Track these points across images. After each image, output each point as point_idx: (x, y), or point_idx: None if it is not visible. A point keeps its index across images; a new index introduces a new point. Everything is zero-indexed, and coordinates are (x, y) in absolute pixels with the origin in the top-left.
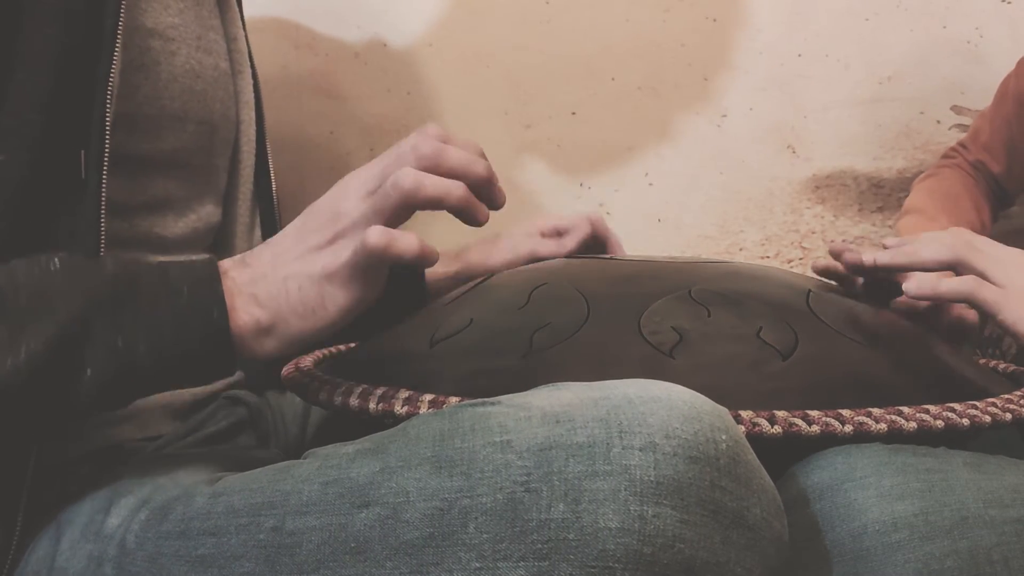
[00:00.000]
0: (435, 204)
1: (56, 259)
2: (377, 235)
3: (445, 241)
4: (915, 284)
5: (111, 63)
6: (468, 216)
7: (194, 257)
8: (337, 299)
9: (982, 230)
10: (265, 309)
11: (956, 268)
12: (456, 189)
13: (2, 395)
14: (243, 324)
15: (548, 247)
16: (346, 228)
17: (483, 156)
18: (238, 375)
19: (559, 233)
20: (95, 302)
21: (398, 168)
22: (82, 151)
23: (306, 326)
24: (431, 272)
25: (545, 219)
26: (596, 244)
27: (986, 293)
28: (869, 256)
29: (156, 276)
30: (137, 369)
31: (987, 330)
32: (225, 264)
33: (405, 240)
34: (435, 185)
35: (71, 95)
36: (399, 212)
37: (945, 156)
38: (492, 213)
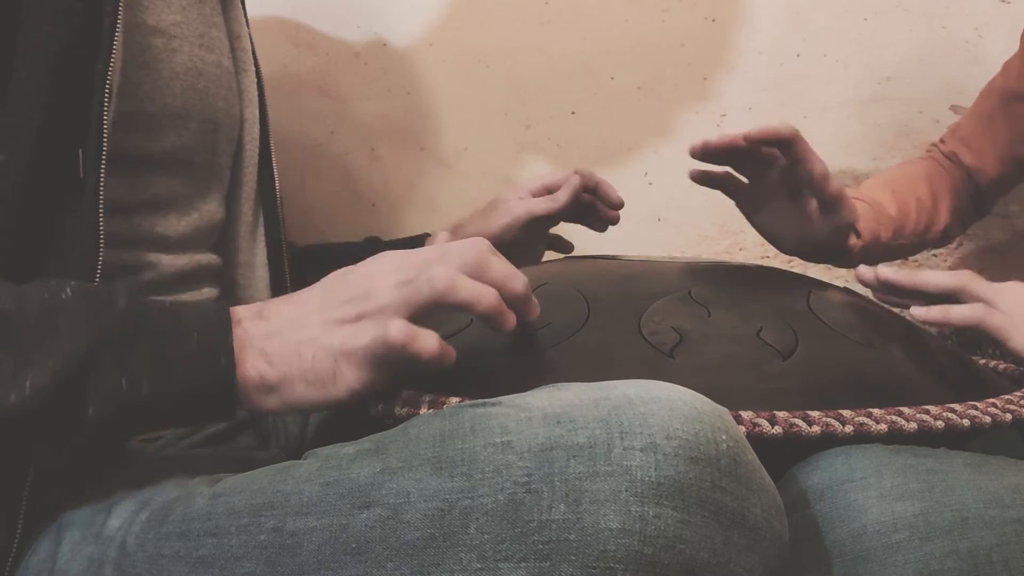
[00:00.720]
0: (465, 308)
1: (69, 288)
2: (399, 330)
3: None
4: (924, 310)
5: (109, 61)
6: (496, 323)
7: (208, 302)
8: (348, 379)
9: (934, 216)
10: (273, 368)
11: (960, 295)
12: (488, 296)
13: (5, 424)
14: (248, 377)
15: (543, 205)
16: (372, 310)
17: (524, 280)
18: None
19: (548, 190)
20: (103, 339)
21: (439, 265)
22: (80, 150)
23: (312, 395)
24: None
25: (532, 179)
26: (588, 192)
27: (996, 320)
28: (870, 271)
29: (167, 316)
30: (137, 409)
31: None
32: (240, 312)
33: (425, 340)
34: (469, 289)
35: (70, 93)
36: (427, 309)
37: (926, 151)
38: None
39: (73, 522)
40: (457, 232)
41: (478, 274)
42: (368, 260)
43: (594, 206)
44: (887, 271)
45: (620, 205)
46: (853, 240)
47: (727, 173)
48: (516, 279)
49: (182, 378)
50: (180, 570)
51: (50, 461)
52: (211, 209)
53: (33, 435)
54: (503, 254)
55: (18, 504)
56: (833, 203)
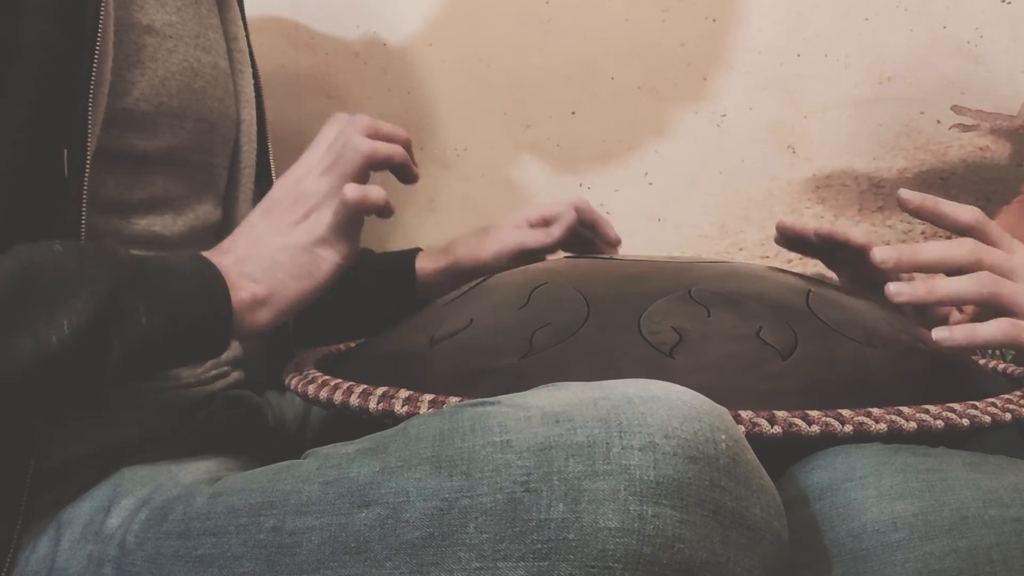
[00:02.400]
0: (387, 163)
1: (57, 244)
2: (354, 191)
3: (436, 239)
4: (948, 334)
5: (92, 62)
6: (408, 172)
7: (183, 252)
8: (329, 258)
9: None
10: (260, 283)
11: (986, 306)
12: (399, 150)
13: (45, 367)
14: (242, 300)
15: (535, 237)
16: (317, 201)
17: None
18: (238, 375)
19: (546, 222)
20: (122, 281)
21: (346, 142)
22: (64, 150)
23: (303, 287)
24: (421, 268)
25: (532, 209)
26: (584, 228)
27: None
28: (893, 288)
29: (160, 262)
30: (154, 344)
31: None
32: (205, 255)
33: (375, 191)
34: (386, 146)
35: (57, 92)
36: (361, 174)
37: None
38: (489, 208)
39: (73, 520)
40: (448, 252)
41: (376, 133)
42: (280, 178)
43: (591, 243)
44: (904, 291)
45: (617, 243)
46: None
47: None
48: (401, 131)
49: (189, 313)
50: (180, 569)
51: (54, 446)
52: (207, 210)
53: (67, 377)
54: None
55: (18, 502)
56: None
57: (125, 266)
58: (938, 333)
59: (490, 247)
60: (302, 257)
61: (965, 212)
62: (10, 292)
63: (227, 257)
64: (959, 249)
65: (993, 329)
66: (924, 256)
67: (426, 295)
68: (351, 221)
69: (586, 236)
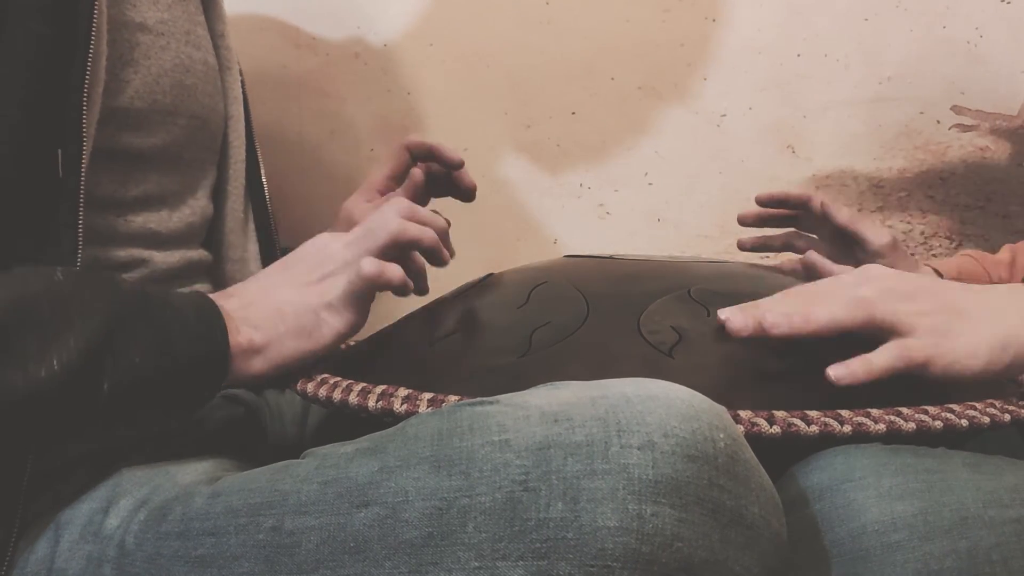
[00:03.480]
0: (414, 244)
1: (59, 272)
2: (371, 264)
3: None
4: (843, 371)
5: (86, 60)
6: (437, 257)
7: (182, 290)
8: (333, 324)
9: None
10: (260, 331)
11: (868, 332)
12: (430, 233)
13: (32, 402)
14: (239, 344)
15: (368, 212)
16: (336, 268)
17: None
18: None
19: (394, 179)
20: (118, 317)
21: (381, 219)
22: (59, 150)
23: (301, 346)
24: None
25: (374, 173)
26: (426, 158)
27: (916, 355)
28: (763, 319)
29: (160, 299)
30: (146, 383)
31: None
32: (212, 297)
33: (392, 268)
34: (416, 228)
35: (49, 92)
36: (385, 251)
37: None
38: (489, 208)
39: (72, 521)
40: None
41: (412, 216)
42: (312, 239)
43: (450, 175)
44: (775, 322)
45: (459, 165)
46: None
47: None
48: (440, 218)
49: (184, 352)
50: (179, 569)
51: (56, 452)
52: (201, 205)
53: (53, 415)
54: None
55: (16, 503)
56: (852, 234)
57: (125, 300)
58: (834, 371)
59: (344, 230)
60: (306, 317)
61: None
62: (3, 322)
63: (232, 301)
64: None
65: (887, 357)
66: (816, 316)
67: None
68: (362, 293)
69: (436, 171)
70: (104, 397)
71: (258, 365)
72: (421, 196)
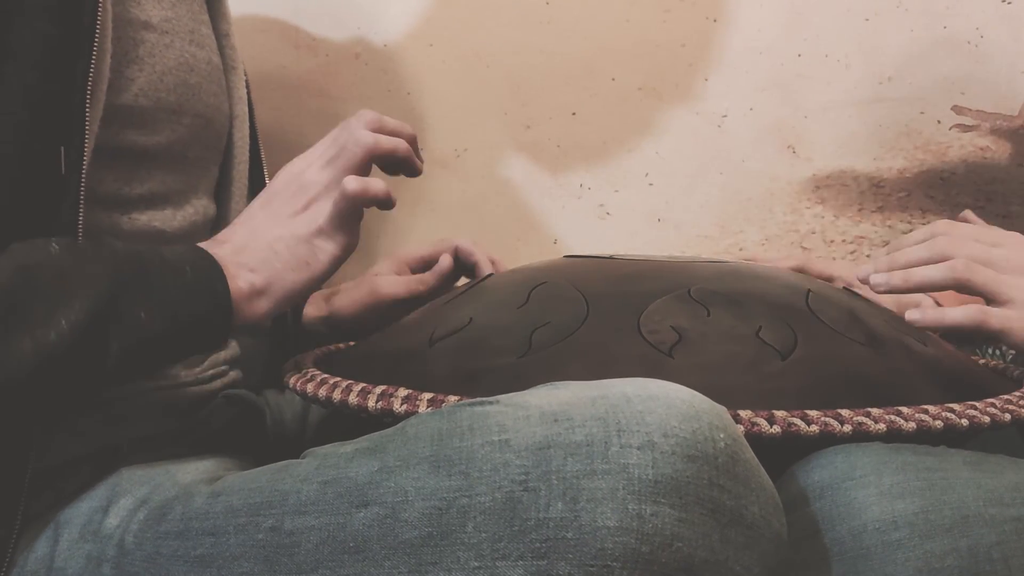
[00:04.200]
0: (389, 156)
1: (54, 243)
2: (354, 182)
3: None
4: (919, 314)
5: (91, 59)
6: (412, 167)
7: (179, 245)
8: (327, 249)
9: None
10: (258, 273)
11: (957, 289)
12: (402, 143)
13: (45, 366)
14: (240, 290)
15: (406, 288)
16: (318, 192)
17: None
18: (237, 374)
19: (425, 263)
20: (119, 279)
21: (349, 135)
22: (61, 147)
23: (300, 278)
24: (306, 315)
25: (412, 250)
26: (463, 271)
27: (993, 321)
28: (863, 275)
29: (157, 257)
30: (154, 340)
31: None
32: (203, 246)
33: (375, 183)
34: (388, 140)
35: (55, 90)
36: (363, 166)
37: None
38: (489, 208)
39: (71, 520)
40: (329, 300)
41: (381, 128)
42: (282, 169)
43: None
44: (878, 279)
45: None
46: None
47: None
48: (407, 126)
49: (187, 307)
50: (178, 569)
51: (52, 446)
52: (205, 204)
53: (67, 376)
54: (361, 329)
55: (16, 502)
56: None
57: (123, 263)
58: (911, 314)
59: (365, 300)
60: (300, 248)
61: (930, 227)
62: (8, 293)
63: (224, 247)
64: (928, 251)
65: (960, 313)
66: (901, 260)
67: (306, 338)
68: (351, 213)
69: (467, 274)
70: (114, 356)
71: (263, 306)
72: (430, 293)
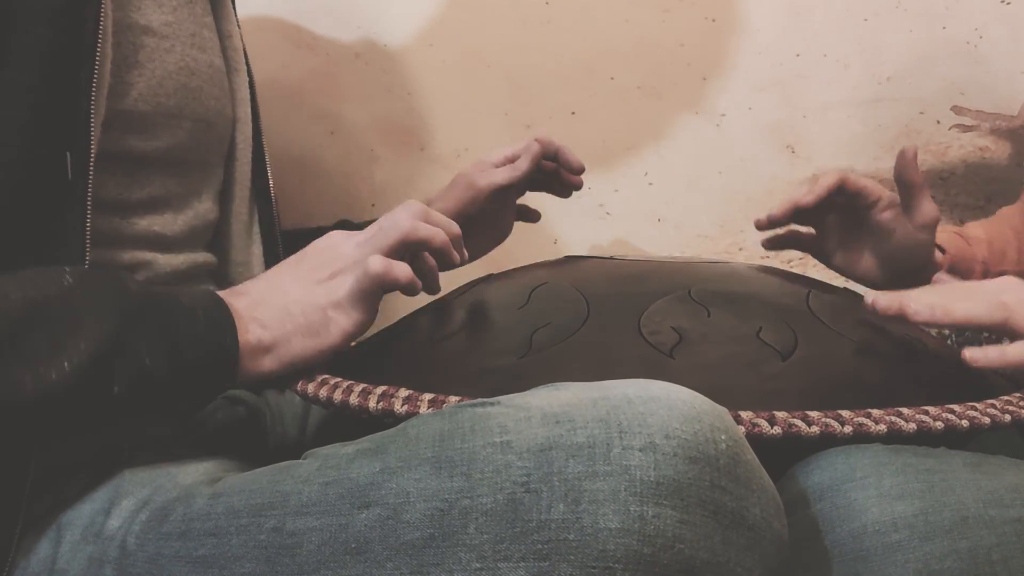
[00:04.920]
0: (424, 244)
1: (67, 273)
2: (378, 262)
3: None
4: (980, 355)
5: (94, 63)
6: (447, 258)
7: (196, 287)
8: (340, 323)
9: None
10: (268, 330)
11: (1001, 331)
12: (440, 234)
13: (44, 402)
14: (248, 343)
15: (504, 174)
16: (345, 266)
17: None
18: None
19: (511, 161)
20: (127, 320)
21: (392, 219)
22: (68, 152)
23: (309, 345)
24: None
25: (496, 151)
26: (548, 160)
27: None
28: (907, 306)
29: (170, 298)
30: (156, 385)
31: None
32: (221, 295)
33: (400, 267)
34: (426, 228)
35: (57, 95)
36: (395, 249)
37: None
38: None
39: (73, 522)
40: (432, 206)
41: (426, 217)
42: (323, 237)
43: (557, 173)
44: (918, 310)
45: (581, 169)
46: (940, 257)
47: (791, 231)
48: (453, 224)
49: (194, 352)
50: (180, 570)
51: (59, 453)
52: (206, 208)
53: (64, 417)
54: (471, 227)
55: (18, 504)
56: (909, 198)
57: (134, 301)
58: (970, 353)
59: (464, 193)
60: (314, 315)
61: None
62: (14, 324)
63: (241, 299)
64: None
65: (1018, 351)
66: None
67: None
68: (370, 292)
69: (550, 168)
70: (114, 398)
71: (267, 364)
72: (529, 178)
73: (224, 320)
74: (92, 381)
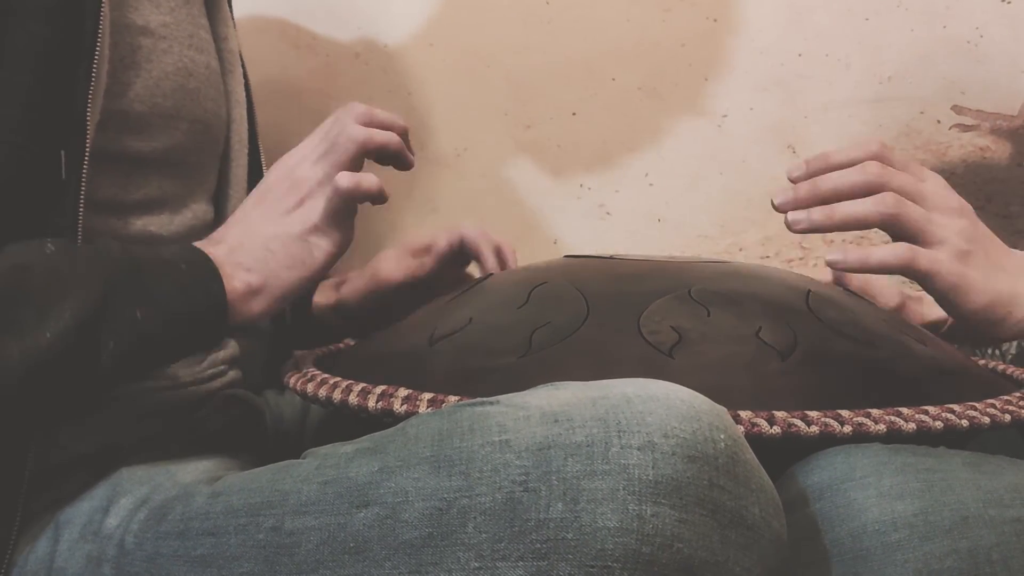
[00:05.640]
0: (381, 150)
1: (48, 243)
2: (347, 178)
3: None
4: (840, 255)
5: (92, 62)
6: (403, 160)
7: (175, 244)
8: (322, 246)
9: None
10: (254, 272)
11: (889, 229)
12: (395, 137)
13: (35, 371)
14: (235, 289)
15: (408, 269)
16: (311, 189)
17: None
18: (236, 374)
19: (428, 250)
20: (111, 281)
21: (340, 130)
22: (62, 151)
23: (296, 275)
24: (316, 304)
25: (415, 238)
26: (462, 256)
27: (922, 262)
28: (791, 217)
29: (153, 257)
30: (150, 339)
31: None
32: (199, 245)
33: (368, 178)
34: (381, 134)
35: (53, 93)
36: (355, 161)
37: None
38: (489, 208)
39: (71, 520)
40: (338, 289)
41: (371, 120)
42: (273, 166)
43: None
44: (799, 215)
45: (504, 266)
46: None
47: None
48: (399, 119)
49: (183, 305)
50: (179, 569)
51: (52, 446)
52: (202, 209)
53: (60, 379)
54: (368, 317)
55: (16, 502)
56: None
57: (117, 264)
58: (831, 256)
59: (368, 286)
60: (295, 246)
61: (863, 147)
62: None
63: (220, 247)
64: (860, 175)
65: (887, 252)
66: (825, 186)
67: (318, 329)
68: (344, 209)
69: (472, 260)
70: (108, 358)
71: (259, 305)
72: (438, 269)
73: (207, 269)
74: (82, 343)
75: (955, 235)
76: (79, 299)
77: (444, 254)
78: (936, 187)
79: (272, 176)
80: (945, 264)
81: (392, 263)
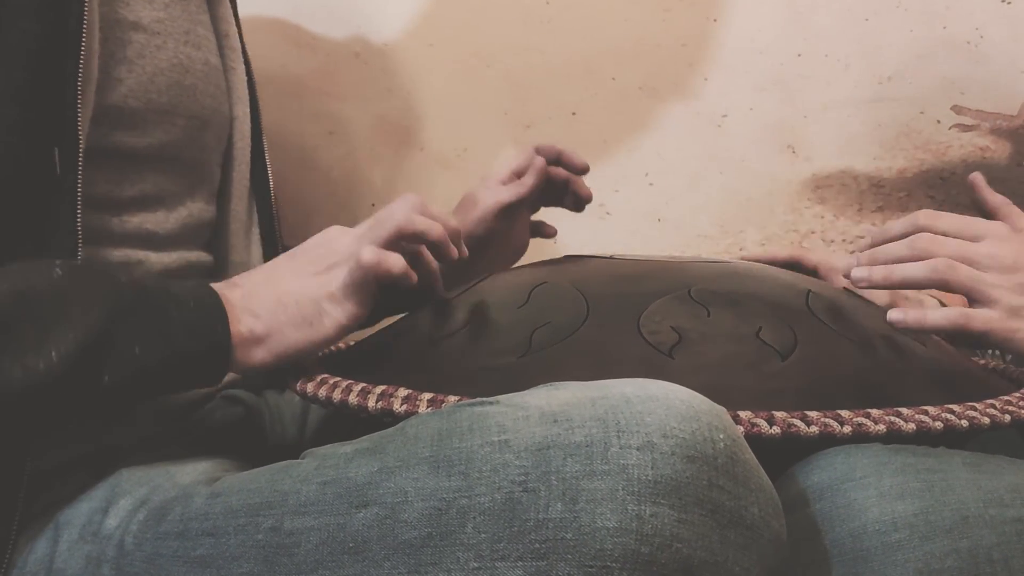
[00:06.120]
0: (420, 237)
1: (57, 265)
2: (370, 253)
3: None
4: (900, 315)
5: (79, 57)
6: (444, 252)
7: (186, 283)
8: (334, 315)
9: None
10: (261, 320)
11: (939, 288)
12: (437, 227)
13: (31, 395)
14: (239, 334)
15: (509, 192)
16: (341, 259)
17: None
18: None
19: (518, 175)
20: (116, 310)
21: (388, 212)
22: (56, 147)
23: (301, 337)
24: None
25: (501, 167)
26: (552, 162)
27: (975, 324)
28: (845, 269)
29: (162, 291)
30: (146, 374)
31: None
32: (215, 286)
33: (393, 257)
34: (423, 220)
35: (45, 90)
36: (390, 241)
37: None
38: None
39: (71, 521)
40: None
41: (422, 214)
42: (320, 233)
43: (567, 183)
44: (859, 273)
45: (585, 169)
46: None
47: None
48: (449, 217)
49: (185, 342)
50: (178, 569)
51: (51, 447)
52: (200, 207)
53: (54, 405)
54: (483, 246)
55: (15, 503)
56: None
57: (124, 293)
58: (892, 315)
59: (471, 214)
60: (308, 307)
61: (909, 220)
62: (2, 315)
63: (236, 291)
64: (909, 249)
65: (941, 316)
66: (882, 255)
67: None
68: (364, 283)
69: (560, 176)
70: (104, 388)
71: (259, 355)
72: (537, 193)
73: (216, 309)
74: (80, 371)
75: (1007, 293)
76: (81, 327)
77: (542, 168)
78: (990, 247)
79: (313, 238)
80: (996, 323)
81: (493, 189)
